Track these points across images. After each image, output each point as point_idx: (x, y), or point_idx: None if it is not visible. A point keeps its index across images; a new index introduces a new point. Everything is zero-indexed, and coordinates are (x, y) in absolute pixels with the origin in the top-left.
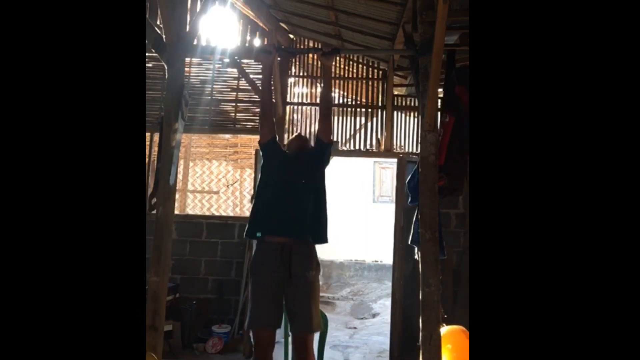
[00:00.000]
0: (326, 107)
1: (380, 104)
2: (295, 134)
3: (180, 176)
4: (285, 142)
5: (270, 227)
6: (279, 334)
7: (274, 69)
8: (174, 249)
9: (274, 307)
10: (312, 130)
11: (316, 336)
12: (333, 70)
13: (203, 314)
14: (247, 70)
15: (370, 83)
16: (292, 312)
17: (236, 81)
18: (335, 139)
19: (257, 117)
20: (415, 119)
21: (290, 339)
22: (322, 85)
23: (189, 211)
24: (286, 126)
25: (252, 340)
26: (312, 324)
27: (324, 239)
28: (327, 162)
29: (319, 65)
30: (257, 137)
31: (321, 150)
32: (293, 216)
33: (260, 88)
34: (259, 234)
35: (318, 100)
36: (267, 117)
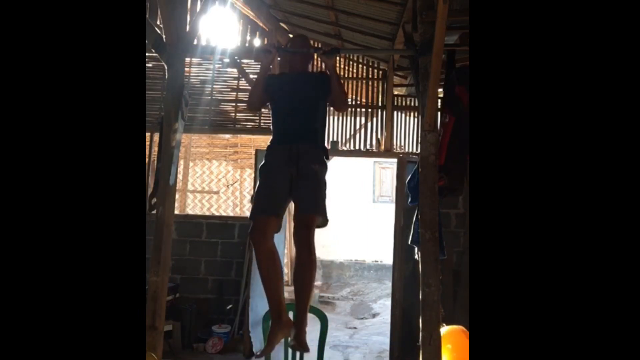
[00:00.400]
0: (340, 91)
1: (380, 104)
2: (299, 36)
3: (180, 176)
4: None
5: (280, 137)
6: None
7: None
8: (174, 249)
9: (277, 199)
10: None
11: (316, 336)
12: (336, 67)
13: (203, 314)
14: (247, 70)
15: (370, 83)
16: (299, 197)
17: (236, 81)
18: (335, 139)
19: (257, 117)
20: (415, 119)
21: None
22: (331, 85)
23: (189, 211)
24: None
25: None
26: (317, 207)
27: (323, 146)
28: (328, 95)
29: (319, 65)
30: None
31: (325, 84)
32: (300, 125)
33: (254, 83)
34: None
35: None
36: (254, 108)
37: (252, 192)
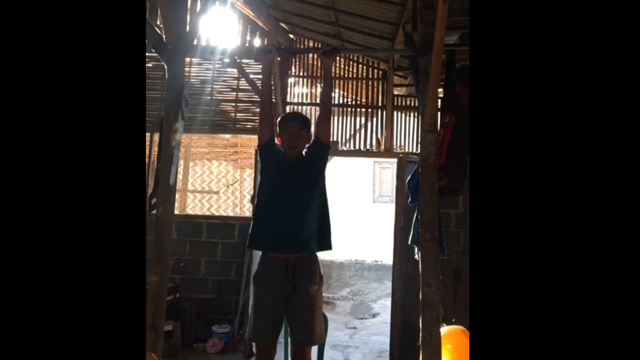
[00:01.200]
0: (326, 109)
1: (380, 104)
2: (291, 119)
3: (180, 176)
4: (277, 121)
5: (272, 244)
6: (279, 335)
7: (273, 69)
8: (174, 249)
9: (275, 321)
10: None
11: None
12: (333, 70)
13: (203, 314)
14: (247, 70)
15: (370, 83)
16: (294, 324)
17: (236, 81)
18: (335, 139)
19: (257, 117)
20: (415, 119)
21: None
22: (322, 85)
23: (189, 211)
24: None
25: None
26: (313, 337)
27: (328, 246)
28: (325, 164)
29: (319, 65)
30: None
31: (320, 152)
32: (294, 230)
33: (260, 88)
34: (261, 251)
35: (318, 101)
36: (267, 117)
37: (251, 192)
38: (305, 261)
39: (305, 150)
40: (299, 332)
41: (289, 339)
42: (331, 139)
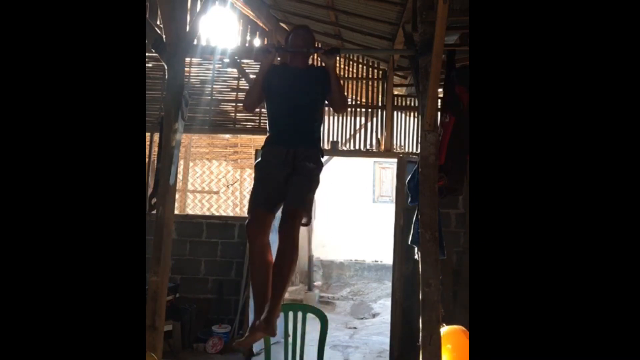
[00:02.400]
0: (339, 92)
1: (380, 104)
2: (301, 28)
3: (180, 176)
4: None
5: (278, 138)
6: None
7: None
8: (174, 249)
9: (273, 196)
10: None
11: (316, 336)
12: (336, 68)
13: (203, 314)
14: (247, 70)
15: (370, 83)
16: (289, 192)
17: (236, 81)
18: (335, 139)
19: (257, 117)
20: (415, 119)
21: (290, 342)
22: (331, 86)
23: (189, 211)
24: None
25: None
26: (302, 201)
27: (321, 149)
28: (326, 92)
29: (319, 65)
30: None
31: (324, 81)
32: (299, 130)
33: (252, 83)
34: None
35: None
36: (250, 109)
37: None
38: (304, 150)
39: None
40: (292, 195)
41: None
42: (331, 139)
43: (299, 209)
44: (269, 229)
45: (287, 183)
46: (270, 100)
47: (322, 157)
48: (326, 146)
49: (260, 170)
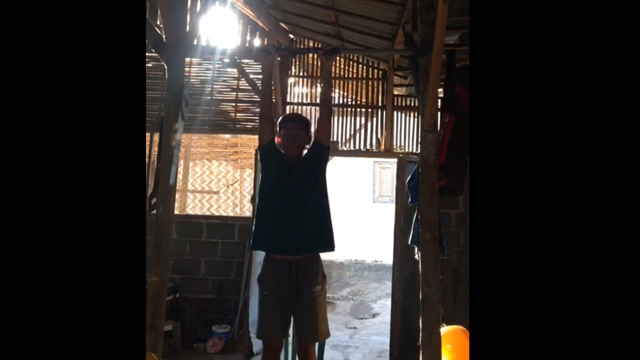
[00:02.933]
0: (326, 109)
1: (380, 104)
2: (290, 120)
3: (180, 176)
4: (278, 122)
5: (275, 246)
6: None
7: (274, 69)
8: (174, 249)
9: (282, 320)
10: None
11: None
12: (333, 70)
13: (203, 314)
14: (247, 70)
15: (370, 83)
16: (299, 323)
17: (236, 81)
18: (335, 139)
19: (257, 117)
20: (415, 119)
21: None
22: (322, 86)
23: (189, 211)
24: None
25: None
26: (317, 334)
27: (331, 247)
28: (326, 164)
29: (319, 65)
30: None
31: (320, 153)
32: (296, 232)
33: (260, 88)
34: (264, 253)
35: (318, 101)
36: (267, 118)
37: (252, 192)
38: (307, 262)
39: (305, 151)
40: (304, 330)
41: (293, 335)
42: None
43: (313, 343)
44: (281, 349)
45: (294, 305)
46: (265, 195)
47: (333, 248)
48: (334, 243)
49: (264, 287)
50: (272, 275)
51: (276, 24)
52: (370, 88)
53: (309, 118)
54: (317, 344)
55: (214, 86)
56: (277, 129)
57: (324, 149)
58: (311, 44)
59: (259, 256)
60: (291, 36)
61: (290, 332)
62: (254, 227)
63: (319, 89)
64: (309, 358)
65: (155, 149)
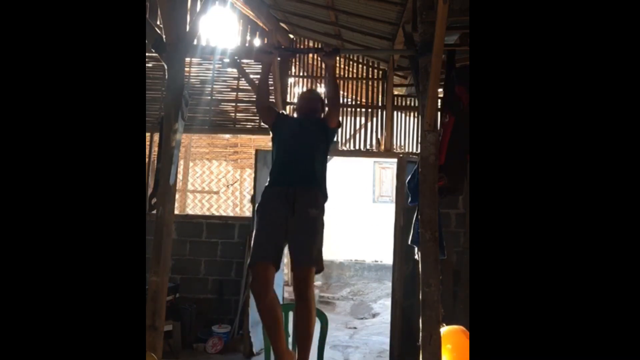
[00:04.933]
0: (335, 108)
1: (380, 104)
2: (307, 90)
3: (180, 176)
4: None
5: (278, 179)
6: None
7: (274, 69)
8: (174, 249)
9: (274, 244)
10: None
11: (316, 335)
12: (336, 68)
13: (203, 314)
14: (247, 70)
15: (370, 83)
16: (293, 246)
17: (236, 81)
18: (335, 139)
19: (257, 117)
20: (415, 119)
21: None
22: (327, 86)
23: (189, 211)
24: None
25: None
26: (311, 258)
27: (325, 194)
28: (331, 142)
29: (319, 65)
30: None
31: (326, 132)
32: (300, 169)
33: (257, 86)
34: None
35: (325, 102)
36: (265, 107)
37: (252, 192)
38: (305, 190)
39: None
40: (297, 253)
41: (290, 264)
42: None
43: (309, 268)
44: (272, 284)
45: (289, 230)
46: (275, 148)
47: (326, 199)
48: (328, 194)
49: (260, 214)
50: (269, 201)
51: (276, 24)
52: (370, 88)
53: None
54: (316, 344)
55: (214, 86)
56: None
57: (332, 130)
58: (311, 44)
59: None
60: (291, 36)
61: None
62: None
63: (319, 89)
64: (307, 285)
65: (155, 149)
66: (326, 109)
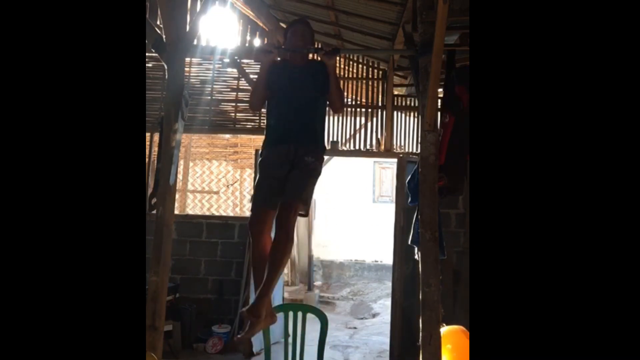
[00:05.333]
0: (337, 92)
1: (380, 104)
2: (297, 22)
3: (180, 176)
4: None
5: (278, 139)
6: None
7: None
8: (174, 249)
9: (274, 192)
10: None
11: (316, 336)
12: (336, 68)
13: (203, 314)
14: (247, 70)
15: (370, 83)
16: (287, 185)
17: (236, 81)
18: (335, 139)
19: (257, 117)
20: (415, 119)
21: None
22: (330, 85)
23: (189, 211)
24: None
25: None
26: (299, 195)
27: (323, 147)
28: (328, 86)
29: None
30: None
31: (323, 79)
32: (299, 129)
33: (254, 83)
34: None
35: (328, 103)
36: (258, 102)
37: (252, 192)
38: (305, 148)
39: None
40: (288, 188)
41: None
42: (331, 139)
43: (295, 201)
44: (270, 226)
45: (287, 179)
46: (270, 98)
47: (324, 152)
48: (326, 146)
49: (262, 169)
50: (270, 158)
51: (276, 24)
52: (370, 88)
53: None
54: (316, 344)
55: (214, 86)
56: (284, 37)
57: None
58: None
59: None
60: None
61: (288, 332)
62: (264, 136)
63: None
64: (289, 215)
65: (155, 149)
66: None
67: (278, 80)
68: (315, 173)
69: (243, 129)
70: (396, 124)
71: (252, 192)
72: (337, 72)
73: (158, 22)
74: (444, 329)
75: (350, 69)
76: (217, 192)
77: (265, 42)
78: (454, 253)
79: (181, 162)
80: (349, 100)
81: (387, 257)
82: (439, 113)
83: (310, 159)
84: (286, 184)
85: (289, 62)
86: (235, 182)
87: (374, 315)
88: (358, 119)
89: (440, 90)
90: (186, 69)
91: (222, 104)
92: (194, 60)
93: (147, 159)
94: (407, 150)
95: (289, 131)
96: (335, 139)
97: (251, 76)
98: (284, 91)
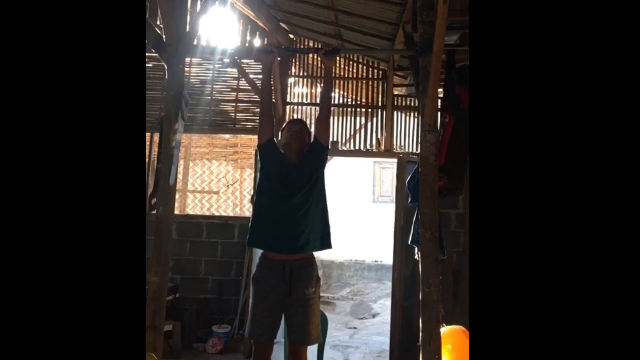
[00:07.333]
0: (326, 109)
1: (380, 104)
2: (293, 122)
3: (180, 176)
4: (282, 127)
5: (270, 244)
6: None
7: (274, 69)
8: (174, 249)
9: (272, 321)
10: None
11: None
12: (333, 70)
13: (203, 314)
14: (247, 70)
15: (370, 83)
16: (291, 324)
17: (236, 81)
18: (335, 139)
19: (257, 117)
20: (415, 119)
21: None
22: (322, 85)
23: (189, 211)
24: None
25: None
26: (309, 338)
27: (327, 245)
28: (324, 166)
29: (319, 65)
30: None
31: (318, 154)
32: (293, 234)
33: (260, 88)
34: (260, 249)
35: (318, 101)
36: (267, 117)
37: (251, 192)
38: (302, 264)
39: (304, 152)
40: (295, 333)
41: (287, 337)
42: (331, 139)
43: (305, 346)
44: (271, 351)
45: (286, 307)
46: (263, 195)
47: (330, 246)
48: (331, 245)
49: (256, 288)
50: (266, 277)
51: (276, 24)
52: (370, 88)
53: (308, 118)
54: (317, 344)
55: (214, 86)
56: (280, 132)
57: (323, 150)
58: (311, 44)
59: (258, 255)
60: (291, 36)
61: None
62: (250, 223)
63: (319, 89)
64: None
65: (155, 149)
66: (317, 120)
67: (274, 173)
68: (317, 304)
69: (243, 129)
70: (396, 124)
71: (252, 192)
72: (337, 72)
73: (158, 22)
74: (444, 329)
75: (350, 69)
76: (217, 192)
77: (265, 42)
78: (454, 253)
79: (181, 162)
80: (349, 100)
81: (387, 257)
82: (439, 113)
83: (309, 290)
84: (289, 319)
85: (285, 159)
86: (235, 182)
87: (374, 315)
88: (358, 119)
89: (440, 90)
90: (186, 69)
91: (222, 104)
92: (194, 60)
93: (147, 159)
94: (407, 150)
95: (282, 239)
96: (335, 139)
97: (251, 76)
98: (278, 191)
